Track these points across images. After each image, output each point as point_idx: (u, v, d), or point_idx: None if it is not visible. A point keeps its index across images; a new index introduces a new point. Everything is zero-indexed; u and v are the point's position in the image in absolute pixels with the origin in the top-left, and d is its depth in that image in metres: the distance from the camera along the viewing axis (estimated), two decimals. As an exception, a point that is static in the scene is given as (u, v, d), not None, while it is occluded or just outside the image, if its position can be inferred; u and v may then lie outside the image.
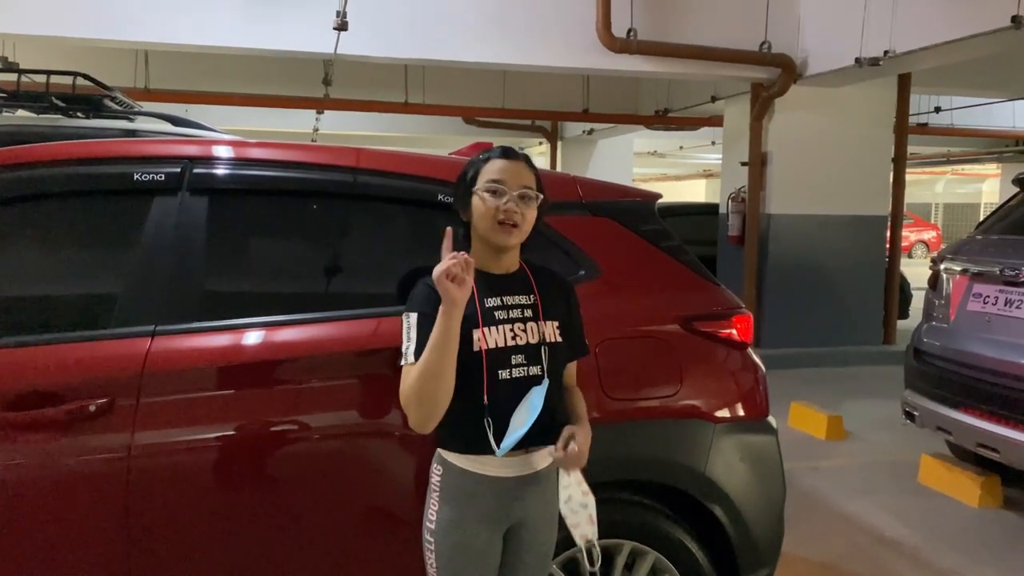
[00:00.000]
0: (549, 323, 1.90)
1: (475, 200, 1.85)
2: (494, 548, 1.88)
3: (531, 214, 1.86)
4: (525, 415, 1.79)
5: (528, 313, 1.88)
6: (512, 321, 1.86)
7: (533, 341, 1.86)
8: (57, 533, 2.01)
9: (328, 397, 2.15)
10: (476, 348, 1.81)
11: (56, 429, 1.99)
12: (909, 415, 4.58)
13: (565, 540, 2.20)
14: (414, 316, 1.82)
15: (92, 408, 2.00)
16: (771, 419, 2.54)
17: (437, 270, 1.70)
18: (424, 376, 1.73)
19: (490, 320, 1.84)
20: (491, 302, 1.86)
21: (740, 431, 2.45)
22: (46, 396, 2.01)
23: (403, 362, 1.79)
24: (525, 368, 1.85)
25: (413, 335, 1.80)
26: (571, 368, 2.03)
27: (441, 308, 1.72)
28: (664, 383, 2.37)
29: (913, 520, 4.17)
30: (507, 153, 1.90)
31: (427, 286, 1.81)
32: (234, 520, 2.09)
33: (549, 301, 1.92)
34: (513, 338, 1.85)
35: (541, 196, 1.87)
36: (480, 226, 1.85)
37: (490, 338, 1.83)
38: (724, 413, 2.42)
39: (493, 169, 1.85)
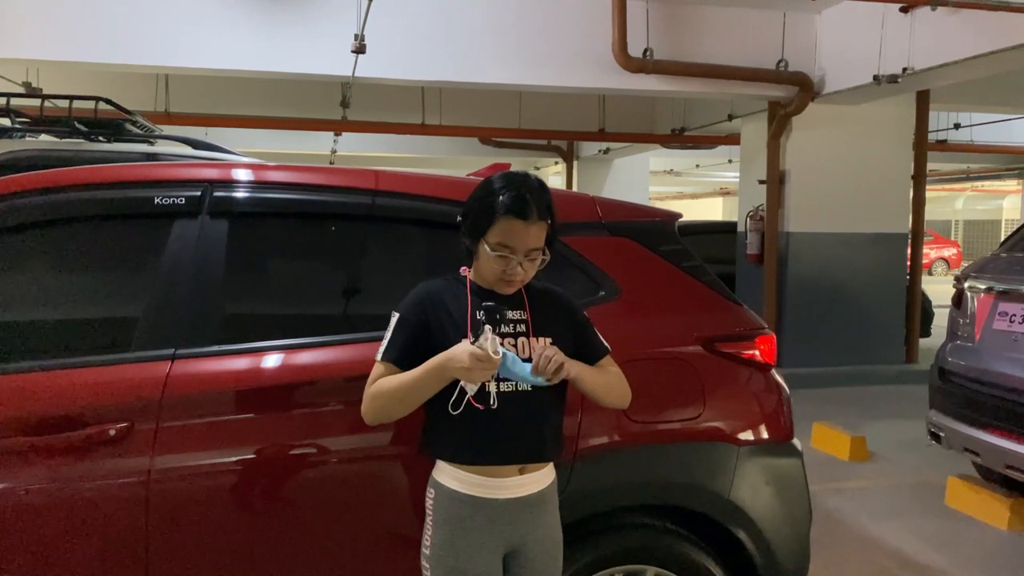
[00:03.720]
0: (541, 340, 1.90)
1: (482, 248, 1.85)
2: (492, 573, 1.85)
3: (534, 268, 1.88)
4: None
5: (520, 328, 1.89)
6: (503, 336, 1.86)
7: (523, 357, 1.85)
8: (77, 558, 2.00)
9: (349, 420, 2.13)
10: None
11: (76, 454, 1.99)
12: (934, 436, 4.50)
13: (588, 566, 2.18)
14: (396, 316, 1.90)
15: (112, 432, 1.99)
16: (796, 441, 2.50)
17: (476, 354, 1.71)
18: (398, 395, 1.81)
19: (480, 332, 1.83)
20: (483, 315, 1.87)
21: (765, 454, 2.41)
22: (66, 420, 2.01)
23: (377, 356, 1.88)
24: (514, 383, 1.84)
25: (389, 335, 1.89)
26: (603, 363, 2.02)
27: (444, 362, 1.76)
28: (687, 405, 2.34)
29: (941, 544, 4.08)
30: (520, 209, 1.80)
31: (421, 292, 1.90)
32: (255, 544, 2.07)
33: (542, 318, 1.93)
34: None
35: (547, 258, 1.88)
36: (483, 271, 1.89)
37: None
38: (748, 436, 2.38)
39: (504, 230, 1.82)
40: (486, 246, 1.83)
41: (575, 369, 1.85)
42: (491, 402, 1.81)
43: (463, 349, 1.73)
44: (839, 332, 8.21)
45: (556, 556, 1.94)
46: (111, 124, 4.75)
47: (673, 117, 11.15)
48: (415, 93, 10.22)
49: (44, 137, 4.65)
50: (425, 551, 1.87)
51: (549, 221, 1.86)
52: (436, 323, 1.87)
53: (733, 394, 2.42)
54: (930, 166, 9.80)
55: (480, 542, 1.82)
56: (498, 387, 1.83)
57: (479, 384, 1.77)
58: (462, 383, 1.78)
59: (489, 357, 1.70)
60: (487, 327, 1.76)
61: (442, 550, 1.83)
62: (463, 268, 1.97)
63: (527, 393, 1.84)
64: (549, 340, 1.90)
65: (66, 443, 1.99)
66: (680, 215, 2.70)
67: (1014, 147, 13.48)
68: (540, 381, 1.78)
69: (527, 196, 1.82)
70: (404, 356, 1.86)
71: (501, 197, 1.82)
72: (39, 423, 2.01)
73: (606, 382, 1.97)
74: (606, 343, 2.03)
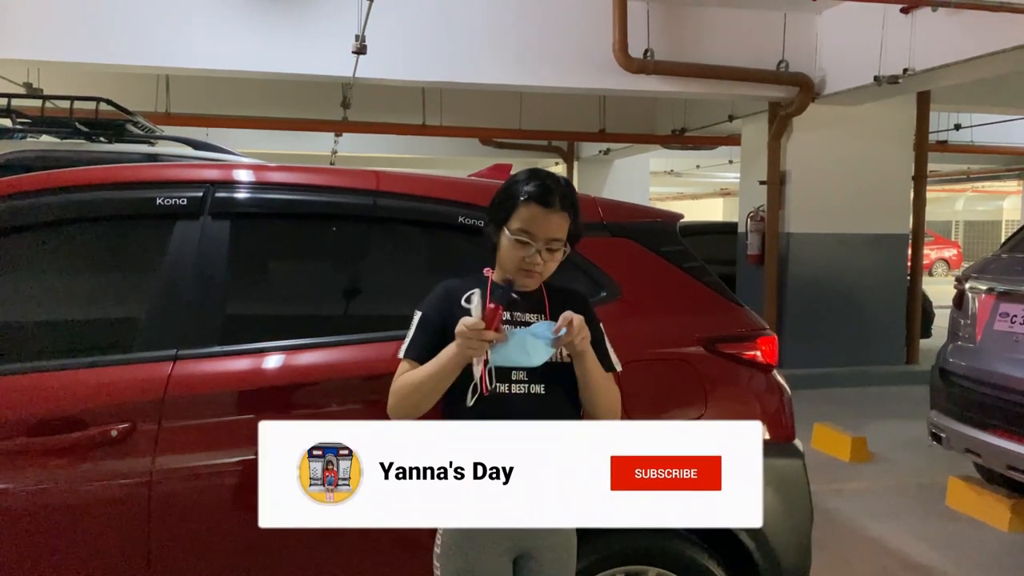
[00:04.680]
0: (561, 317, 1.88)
1: (503, 236, 1.85)
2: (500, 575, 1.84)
3: (555, 261, 1.87)
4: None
5: None
6: None
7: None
8: (79, 559, 2.00)
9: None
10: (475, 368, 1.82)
11: (78, 454, 1.99)
12: (936, 436, 4.50)
13: (590, 567, 2.18)
14: (419, 314, 1.90)
15: (114, 433, 1.99)
16: (797, 442, 2.50)
17: (460, 324, 1.74)
18: (416, 387, 1.80)
19: (484, 373, 1.83)
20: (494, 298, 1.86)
21: (766, 455, 2.39)
22: (68, 421, 2.01)
23: (400, 354, 1.88)
24: (526, 385, 1.84)
25: (411, 333, 1.89)
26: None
27: (456, 345, 1.75)
28: (688, 406, 2.34)
29: (942, 545, 4.08)
30: (544, 198, 1.82)
31: (442, 291, 1.90)
32: (258, 545, 2.07)
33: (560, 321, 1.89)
34: None
35: (568, 250, 1.88)
36: (503, 261, 1.88)
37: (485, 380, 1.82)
38: (749, 436, 2.38)
39: (526, 216, 1.82)
40: (507, 232, 1.84)
41: (590, 352, 1.83)
42: (493, 387, 1.80)
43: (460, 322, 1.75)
44: (840, 333, 8.20)
45: (568, 563, 1.91)
46: (112, 125, 4.75)
47: (673, 118, 11.15)
48: (416, 94, 10.23)
49: (45, 138, 4.66)
50: (436, 550, 1.87)
51: (572, 216, 1.86)
52: (452, 321, 1.86)
53: (734, 395, 2.42)
54: (930, 167, 9.78)
55: (488, 544, 1.82)
56: (509, 388, 1.82)
57: (480, 361, 1.76)
58: (474, 370, 1.78)
59: (475, 324, 1.71)
60: (474, 292, 1.77)
61: (451, 550, 1.83)
62: (486, 269, 1.96)
63: (539, 395, 1.84)
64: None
65: (68, 444, 1.99)
66: (681, 216, 2.70)
67: (1014, 148, 13.47)
68: (545, 344, 1.75)
69: (551, 186, 1.85)
70: (427, 353, 1.86)
71: (525, 186, 1.85)
72: (41, 424, 2.01)
73: (608, 387, 1.93)
74: (617, 362, 1.98)
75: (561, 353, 1.87)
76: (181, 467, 2.03)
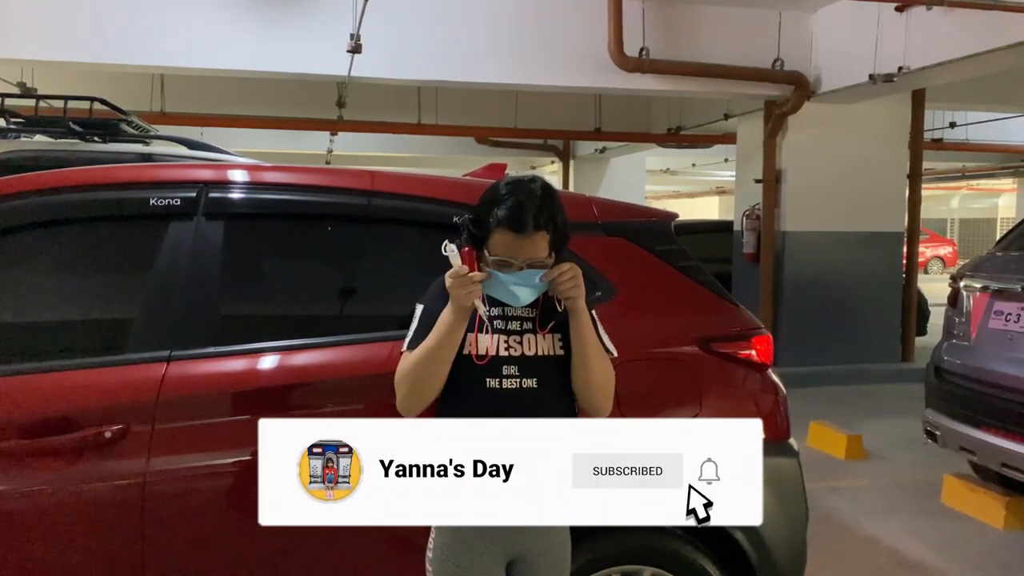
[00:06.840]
0: (549, 335, 1.88)
1: (485, 253, 1.82)
2: None
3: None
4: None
5: (528, 326, 1.88)
6: (509, 332, 1.86)
7: (529, 353, 1.85)
8: (73, 561, 1.99)
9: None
10: (466, 352, 1.82)
11: (71, 456, 1.99)
12: (931, 434, 4.51)
13: (585, 567, 2.18)
14: (420, 308, 1.89)
15: (107, 435, 1.99)
16: (792, 441, 2.50)
17: (447, 276, 1.77)
18: (420, 361, 1.79)
19: (486, 328, 1.84)
20: (493, 311, 1.87)
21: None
22: (61, 423, 2.01)
23: (403, 348, 1.86)
24: (518, 380, 1.83)
25: (414, 325, 1.87)
26: None
27: (449, 305, 1.77)
28: (683, 405, 2.34)
29: (937, 543, 4.09)
30: (516, 224, 1.76)
31: (441, 285, 1.87)
32: (253, 547, 2.07)
33: (552, 313, 1.88)
34: (506, 349, 1.84)
35: (551, 261, 1.82)
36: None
37: (481, 346, 1.83)
38: (744, 435, 2.38)
39: (500, 243, 1.78)
40: (487, 254, 1.82)
41: (584, 311, 1.82)
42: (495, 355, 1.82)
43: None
44: (835, 331, 8.20)
45: (562, 568, 1.90)
46: (106, 124, 4.74)
47: (669, 116, 11.15)
48: (411, 93, 10.21)
49: (39, 138, 4.64)
50: (428, 554, 1.86)
51: (551, 230, 1.81)
52: None
53: (729, 394, 2.43)
54: (926, 165, 9.79)
55: (480, 549, 1.81)
56: (500, 384, 1.81)
57: (474, 305, 1.77)
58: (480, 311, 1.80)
59: (459, 269, 1.73)
60: (446, 243, 1.78)
61: (443, 554, 1.82)
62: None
63: (532, 389, 1.83)
64: (559, 336, 1.87)
65: (61, 445, 1.99)
66: (676, 215, 2.70)
67: (1009, 146, 13.50)
68: (528, 285, 1.77)
69: (525, 206, 1.77)
70: None
71: (498, 208, 1.79)
72: (35, 425, 2.01)
73: (602, 361, 1.88)
74: (613, 348, 1.94)
75: (555, 346, 1.86)
76: (175, 468, 2.03)
